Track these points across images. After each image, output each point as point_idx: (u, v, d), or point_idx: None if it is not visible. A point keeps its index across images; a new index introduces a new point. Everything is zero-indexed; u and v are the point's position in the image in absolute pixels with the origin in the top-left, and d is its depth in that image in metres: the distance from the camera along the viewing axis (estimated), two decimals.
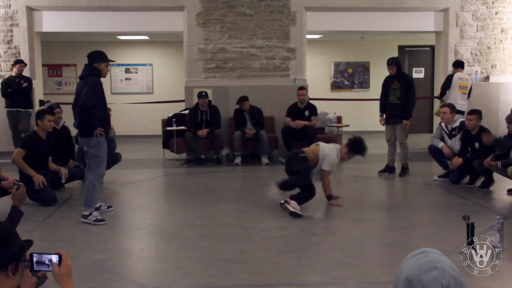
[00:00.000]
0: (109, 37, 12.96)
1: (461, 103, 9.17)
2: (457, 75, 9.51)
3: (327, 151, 6.04)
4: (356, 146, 6.05)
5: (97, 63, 5.54)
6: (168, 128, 9.55)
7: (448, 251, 4.26)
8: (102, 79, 5.67)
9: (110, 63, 5.69)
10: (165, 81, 13.91)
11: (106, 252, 4.62)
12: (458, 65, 9.73)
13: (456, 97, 9.26)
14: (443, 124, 7.50)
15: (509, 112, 7.29)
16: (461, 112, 8.67)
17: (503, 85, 10.69)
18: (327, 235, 5.25)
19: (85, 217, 5.54)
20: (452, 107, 7.45)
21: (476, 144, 6.85)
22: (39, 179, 6.23)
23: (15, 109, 9.59)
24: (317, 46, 13.60)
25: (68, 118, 7.02)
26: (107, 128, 5.65)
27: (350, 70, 14.35)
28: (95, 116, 5.44)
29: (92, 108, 5.41)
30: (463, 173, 7.19)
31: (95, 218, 5.52)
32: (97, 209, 5.88)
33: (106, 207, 6.02)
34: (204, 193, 7.04)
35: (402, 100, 7.88)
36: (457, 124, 7.33)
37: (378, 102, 8.33)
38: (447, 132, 7.45)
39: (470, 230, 4.33)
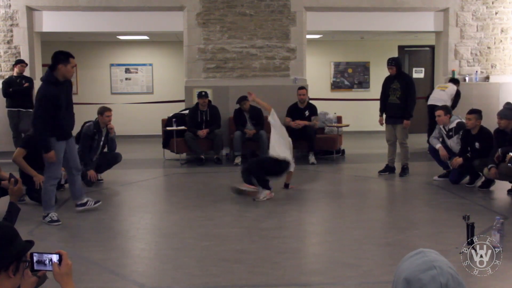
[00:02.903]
0: (109, 37, 12.97)
1: (437, 98, 9.73)
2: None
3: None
4: None
5: (62, 64, 5.36)
6: (168, 128, 9.55)
7: (448, 251, 4.26)
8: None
9: (75, 64, 5.52)
10: (165, 81, 13.92)
11: (106, 252, 4.63)
12: (453, 80, 10.14)
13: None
14: (441, 126, 7.51)
15: None
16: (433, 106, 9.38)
17: (503, 85, 10.70)
18: (327, 235, 5.25)
19: (43, 217, 5.59)
20: (446, 109, 7.46)
21: (476, 144, 6.85)
22: (40, 179, 6.23)
23: (16, 109, 9.60)
24: (317, 46, 13.60)
25: None
26: (61, 132, 5.53)
27: (350, 70, 14.35)
28: (45, 135, 5.38)
29: (41, 124, 5.36)
30: (463, 173, 7.19)
31: (50, 219, 5.53)
32: (84, 204, 5.90)
33: (93, 203, 6.00)
34: (204, 193, 7.04)
35: (402, 100, 7.87)
36: (453, 125, 7.33)
37: (378, 102, 8.33)
38: (445, 132, 7.46)
39: (470, 230, 4.33)
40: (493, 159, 6.38)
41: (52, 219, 5.52)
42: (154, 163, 9.61)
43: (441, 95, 9.73)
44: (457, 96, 9.83)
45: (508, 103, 6.83)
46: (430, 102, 9.84)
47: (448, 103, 9.64)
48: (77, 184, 5.91)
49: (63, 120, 5.50)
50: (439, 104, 9.40)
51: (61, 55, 5.42)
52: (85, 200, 5.94)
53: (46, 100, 5.34)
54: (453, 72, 10.59)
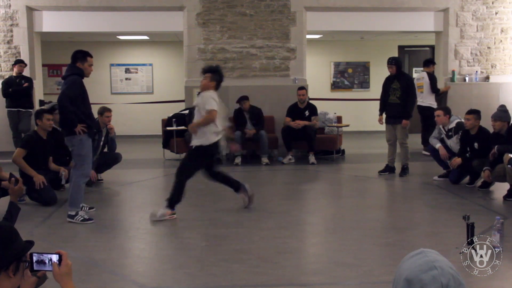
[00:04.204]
0: (109, 37, 12.97)
1: (419, 100, 9.70)
2: (415, 77, 10.62)
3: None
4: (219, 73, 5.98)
5: (79, 62, 5.52)
6: (168, 128, 9.55)
7: (448, 251, 4.26)
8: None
9: (93, 63, 5.65)
10: (165, 81, 13.92)
11: (106, 252, 4.63)
12: (425, 64, 10.32)
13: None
14: (441, 125, 7.52)
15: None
16: (427, 108, 9.65)
17: (503, 85, 10.69)
18: (327, 235, 5.25)
19: (72, 217, 5.51)
20: (445, 110, 7.47)
21: (476, 144, 6.85)
22: (40, 179, 6.23)
23: (15, 109, 9.60)
24: (317, 46, 13.60)
25: None
26: (90, 125, 5.58)
27: (350, 70, 14.35)
28: (73, 112, 5.39)
29: (69, 104, 5.36)
30: (463, 173, 7.19)
31: (82, 218, 5.49)
32: (72, 217, 5.80)
33: (88, 208, 5.95)
34: (204, 193, 7.04)
35: (402, 100, 7.88)
36: (453, 125, 7.33)
37: (378, 102, 8.34)
38: (445, 132, 7.46)
39: (470, 230, 4.33)
40: (489, 157, 6.43)
41: (84, 217, 5.50)
42: (154, 163, 9.61)
43: (422, 97, 9.80)
44: (432, 82, 9.88)
45: (502, 105, 6.85)
46: (417, 103, 9.95)
47: (431, 97, 9.83)
48: None
49: (92, 114, 5.67)
50: (423, 105, 9.73)
51: (79, 54, 5.57)
52: (73, 212, 5.76)
53: (76, 85, 5.42)
54: (453, 72, 10.59)
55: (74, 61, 5.56)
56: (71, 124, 5.42)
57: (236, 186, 6.06)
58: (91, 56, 5.65)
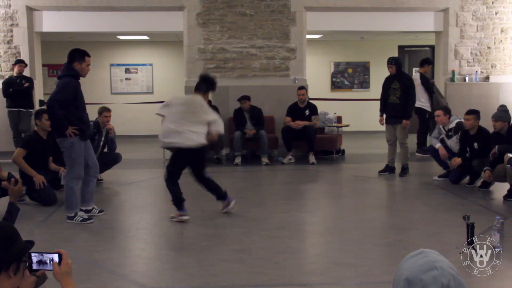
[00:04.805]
0: (109, 37, 12.97)
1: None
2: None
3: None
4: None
5: (77, 62, 5.41)
6: None
7: (448, 251, 4.26)
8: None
9: (90, 62, 5.52)
10: (165, 81, 13.91)
11: (106, 252, 4.63)
12: (420, 64, 10.19)
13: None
14: (441, 125, 7.52)
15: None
16: (418, 109, 9.54)
17: (503, 85, 10.69)
18: (327, 235, 5.25)
19: (71, 218, 5.50)
20: (445, 110, 7.47)
21: (475, 144, 6.85)
22: (40, 179, 6.23)
23: (16, 109, 9.60)
24: (317, 46, 13.60)
25: None
26: (83, 128, 5.47)
27: (350, 70, 14.35)
28: (62, 116, 5.29)
29: (58, 107, 5.28)
30: (463, 173, 7.19)
31: (81, 218, 5.48)
32: (89, 211, 5.77)
33: (98, 211, 5.90)
34: (204, 193, 7.02)
35: (402, 100, 7.88)
36: (453, 125, 7.34)
37: (378, 102, 8.34)
38: (445, 132, 7.46)
39: (470, 230, 4.33)
40: (489, 157, 6.43)
41: (83, 217, 5.48)
42: (154, 163, 9.60)
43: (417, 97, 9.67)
44: (424, 84, 9.78)
45: (502, 105, 6.84)
46: None
47: (426, 99, 9.72)
48: (90, 186, 5.80)
49: (85, 116, 5.55)
50: (416, 106, 9.40)
51: (76, 53, 5.44)
52: (90, 207, 5.81)
53: (68, 88, 5.30)
54: (453, 72, 10.59)
55: (71, 61, 5.43)
56: (61, 128, 5.36)
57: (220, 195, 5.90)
58: (89, 56, 5.53)
